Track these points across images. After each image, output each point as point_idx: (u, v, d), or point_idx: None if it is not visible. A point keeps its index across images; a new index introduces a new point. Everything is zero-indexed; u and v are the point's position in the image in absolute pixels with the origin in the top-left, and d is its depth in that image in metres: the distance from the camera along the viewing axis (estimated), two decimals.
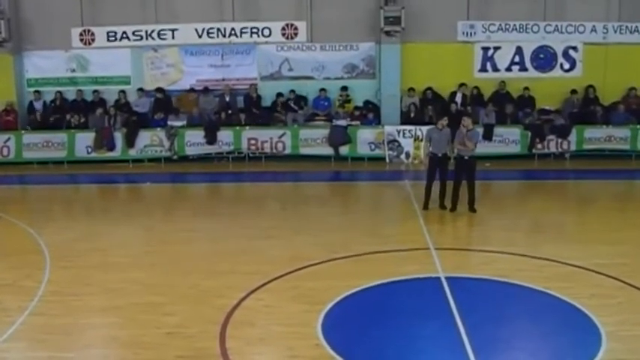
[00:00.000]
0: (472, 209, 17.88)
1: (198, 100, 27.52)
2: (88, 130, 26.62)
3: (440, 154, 18.04)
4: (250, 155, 26.68)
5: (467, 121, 17.97)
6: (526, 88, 27.12)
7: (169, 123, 26.38)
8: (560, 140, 26.18)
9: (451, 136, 18.18)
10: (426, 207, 18.09)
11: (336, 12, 27.09)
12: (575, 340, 9.96)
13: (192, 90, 27.69)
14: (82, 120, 26.95)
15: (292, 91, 27.47)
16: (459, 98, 27.02)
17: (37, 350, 9.85)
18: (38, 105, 27.67)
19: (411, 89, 27.26)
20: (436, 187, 18.13)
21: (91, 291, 12.16)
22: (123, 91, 27.64)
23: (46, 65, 28.10)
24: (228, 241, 15.50)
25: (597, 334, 9.95)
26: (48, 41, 27.51)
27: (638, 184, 23.82)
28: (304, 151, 26.46)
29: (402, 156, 26.07)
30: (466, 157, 17.70)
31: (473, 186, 17.87)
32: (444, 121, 18.25)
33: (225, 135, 26.41)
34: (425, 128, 22.33)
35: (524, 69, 27.85)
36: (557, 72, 27.88)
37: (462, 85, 27.25)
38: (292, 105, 27.27)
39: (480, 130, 24.71)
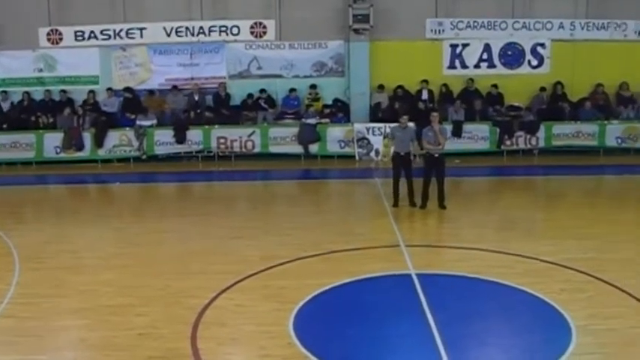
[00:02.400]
0: (442, 206, 17.91)
1: (166, 99, 27.42)
2: (57, 131, 26.47)
3: (403, 153, 18.00)
4: (220, 154, 26.63)
5: (436, 117, 17.98)
6: (494, 86, 27.28)
7: (138, 123, 26.27)
8: (528, 136, 26.38)
9: (416, 134, 18.27)
10: (396, 204, 18.11)
11: (304, 10, 27.11)
12: (547, 335, 10.01)
13: (151, 92, 27.72)
14: (51, 120, 26.79)
15: (263, 90, 27.46)
16: (425, 95, 27.12)
17: (7, 353, 9.76)
18: (5, 105, 27.40)
19: (381, 86, 27.31)
20: (404, 185, 18.16)
21: (62, 293, 12.09)
22: (92, 91, 27.45)
23: (13, 65, 27.83)
24: (198, 242, 15.45)
25: (568, 329, 10.02)
26: (15, 41, 27.22)
27: (607, 180, 24.01)
28: (274, 149, 26.47)
29: (372, 153, 26.14)
30: (436, 155, 17.73)
31: (443, 183, 17.91)
32: (405, 119, 18.23)
33: (194, 134, 26.37)
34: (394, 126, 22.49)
35: (492, 66, 28.01)
36: (525, 69, 28.07)
37: (423, 81, 27.36)
38: (263, 104, 27.23)
39: (449, 126, 24.92)
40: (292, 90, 27.48)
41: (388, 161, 22.11)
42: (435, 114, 18.30)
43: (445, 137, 17.98)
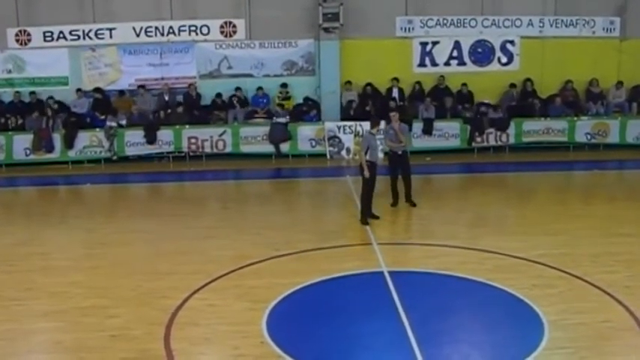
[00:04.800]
0: (411, 203, 17.96)
1: (135, 100, 27.36)
2: (26, 132, 26.25)
3: (376, 161, 16.90)
4: (191, 154, 26.57)
5: (396, 116, 17.93)
6: (464, 84, 27.42)
7: (108, 123, 26.13)
8: (499, 133, 26.51)
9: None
10: (373, 216, 16.91)
11: (274, 9, 27.08)
12: (519, 330, 10.08)
13: (121, 92, 27.66)
14: (20, 122, 26.59)
15: (238, 88, 27.53)
16: (395, 93, 27.16)
17: None
18: None
19: (348, 82, 27.40)
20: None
21: (34, 295, 12.01)
22: (51, 97, 27.21)
23: None
24: (170, 242, 15.39)
25: (540, 324, 10.09)
26: None
27: (576, 176, 24.17)
28: (245, 149, 26.42)
29: (343, 152, 26.17)
30: (399, 153, 17.78)
31: (409, 179, 17.96)
32: (381, 125, 17.96)
33: (165, 134, 26.29)
34: (365, 124, 22.45)
35: (462, 63, 28.12)
36: (495, 66, 28.23)
37: (394, 79, 27.45)
38: (235, 103, 27.18)
39: (420, 124, 25.10)
40: (259, 88, 27.50)
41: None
42: (393, 113, 18.20)
43: (405, 135, 17.97)
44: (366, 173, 16.30)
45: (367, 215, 16.63)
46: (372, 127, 17.49)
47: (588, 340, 9.65)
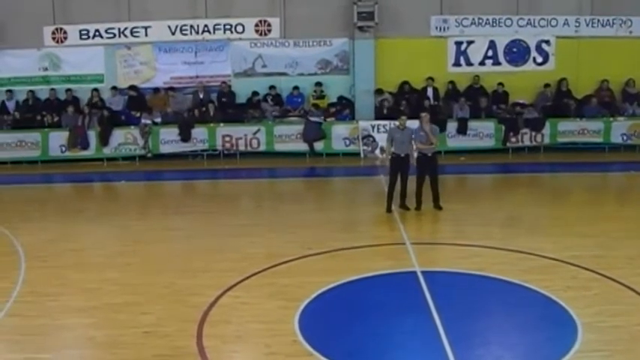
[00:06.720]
0: (437, 207, 17.67)
1: (169, 99, 27.34)
2: (62, 129, 26.40)
3: (403, 155, 17.41)
4: (225, 152, 26.61)
5: (426, 117, 17.76)
6: (500, 84, 27.24)
7: (143, 121, 26.24)
8: (533, 133, 26.32)
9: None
10: (389, 209, 17.51)
11: (309, 8, 27.03)
12: (552, 332, 10.01)
13: (156, 90, 27.68)
14: (56, 119, 26.75)
15: (273, 87, 27.52)
16: (430, 93, 27.08)
17: (13, 352, 9.77)
18: (11, 104, 27.36)
19: (379, 90, 27.34)
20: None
21: (67, 291, 12.10)
22: (96, 89, 27.37)
23: (18, 64, 27.66)
24: (203, 239, 15.46)
25: (573, 326, 10.03)
26: (20, 40, 27.09)
27: (612, 177, 24.02)
28: (279, 147, 26.42)
29: (377, 151, 26.08)
30: (429, 155, 17.55)
31: (437, 182, 17.67)
32: (404, 120, 17.86)
33: (199, 132, 26.32)
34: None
35: (497, 63, 27.94)
36: (530, 65, 28.01)
37: (429, 79, 27.32)
38: (270, 101, 27.21)
39: (454, 124, 25.08)
40: (295, 88, 27.47)
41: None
42: (424, 114, 18.02)
43: (436, 136, 17.89)
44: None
45: (389, 205, 17.58)
46: (398, 120, 17.95)
47: (623, 343, 9.58)
